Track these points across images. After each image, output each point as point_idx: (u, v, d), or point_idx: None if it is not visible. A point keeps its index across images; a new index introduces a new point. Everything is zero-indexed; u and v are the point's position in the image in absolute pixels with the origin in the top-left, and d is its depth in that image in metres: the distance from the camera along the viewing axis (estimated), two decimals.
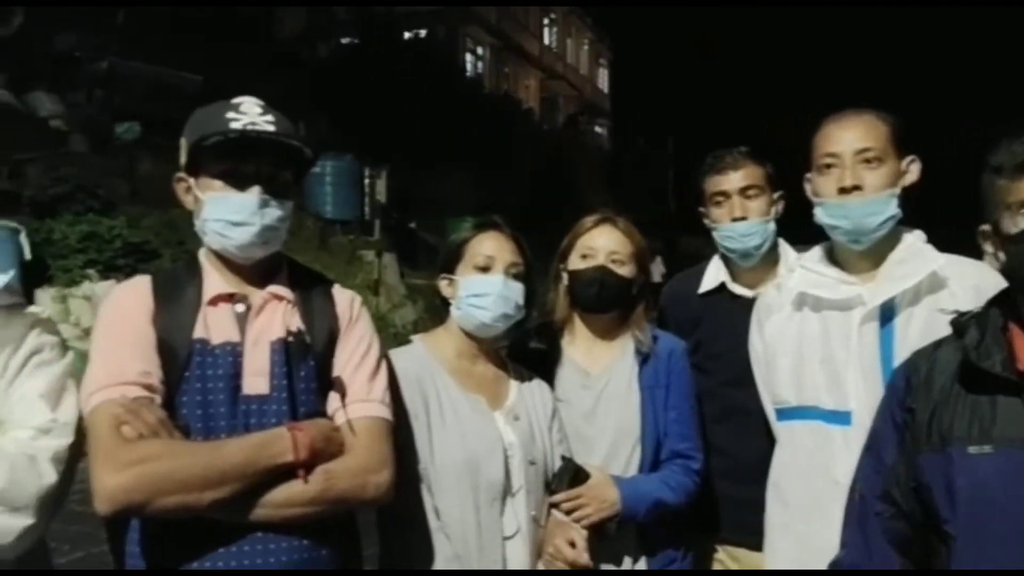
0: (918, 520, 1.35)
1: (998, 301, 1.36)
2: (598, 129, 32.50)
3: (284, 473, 1.46)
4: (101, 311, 1.60)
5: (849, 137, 1.88)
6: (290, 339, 1.58)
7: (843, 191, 1.86)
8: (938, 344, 1.42)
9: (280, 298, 1.62)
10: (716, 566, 2.34)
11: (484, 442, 1.86)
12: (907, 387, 1.40)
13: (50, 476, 1.42)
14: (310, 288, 1.69)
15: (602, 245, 2.15)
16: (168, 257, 8.81)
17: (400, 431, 1.71)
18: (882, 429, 1.44)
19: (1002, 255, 1.31)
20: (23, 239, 7.88)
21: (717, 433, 2.29)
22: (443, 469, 1.81)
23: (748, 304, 2.26)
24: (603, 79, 34.80)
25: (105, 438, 1.40)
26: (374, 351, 1.68)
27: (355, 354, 1.65)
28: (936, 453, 1.30)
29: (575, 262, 2.18)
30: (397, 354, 1.92)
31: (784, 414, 2.01)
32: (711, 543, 2.35)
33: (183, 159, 1.61)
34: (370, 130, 15.13)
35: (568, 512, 1.96)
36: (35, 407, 1.47)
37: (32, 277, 7.88)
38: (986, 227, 1.34)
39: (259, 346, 1.56)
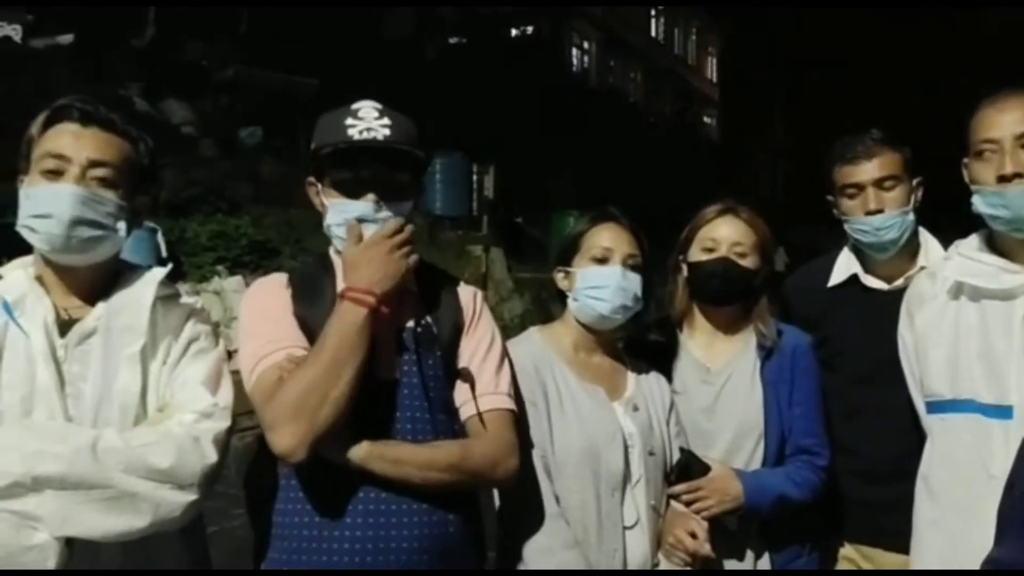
0: None
1: None
2: (707, 119, 31.82)
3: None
4: (244, 303, 1.72)
5: (1008, 120, 1.78)
6: (418, 330, 1.65)
7: (1003, 179, 1.77)
8: None
9: (408, 292, 1.68)
10: (845, 565, 2.25)
11: (603, 431, 1.87)
12: None
13: (212, 456, 1.53)
14: (435, 283, 1.75)
15: (724, 236, 2.11)
16: (287, 254, 9.24)
17: (520, 421, 1.75)
18: None
19: None
20: (160, 238, 8.43)
21: (845, 432, 2.21)
22: (563, 457, 1.84)
23: (882, 298, 2.17)
24: (712, 69, 34.04)
25: (272, 391, 1.52)
26: (498, 344, 1.74)
27: (480, 347, 1.70)
28: None
29: (696, 254, 2.15)
30: (514, 345, 1.95)
31: (936, 407, 1.91)
32: (836, 543, 2.27)
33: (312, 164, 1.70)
34: (478, 128, 15.33)
35: (688, 504, 1.95)
36: (197, 392, 1.58)
37: (169, 274, 8.39)
38: None
39: (388, 337, 1.63)
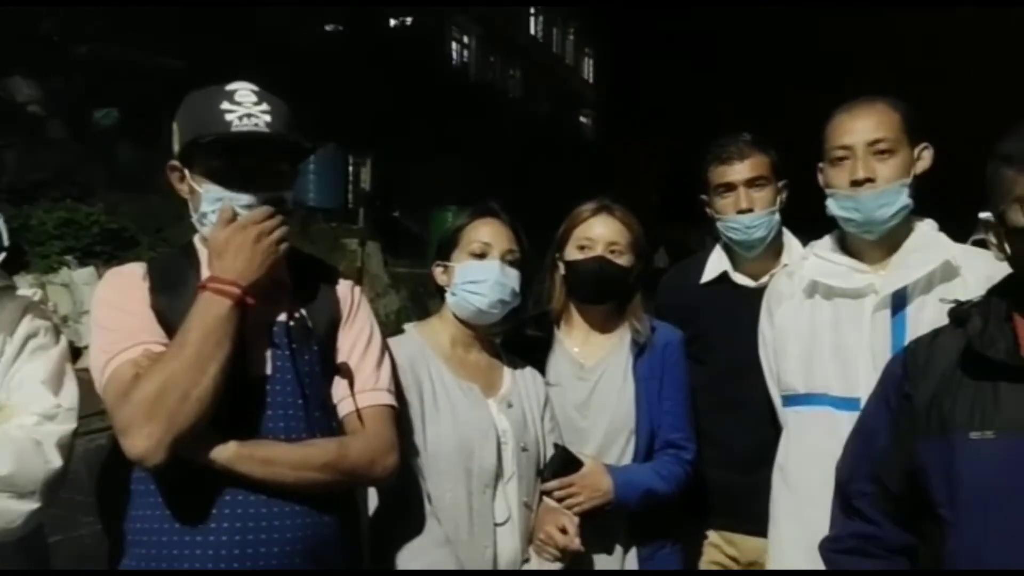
0: (907, 502, 1.36)
1: (1000, 290, 1.36)
2: (583, 119, 32.50)
3: None
4: (96, 295, 1.58)
5: (861, 128, 1.88)
6: (292, 323, 1.57)
7: (855, 183, 1.86)
8: (936, 332, 1.42)
9: (280, 283, 1.60)
10: (710, 550, 2.35)
11: (477, 429, 1.85)
12: (904, 374, 1.40)
13: (56, 461, 1.43)
14: (311, 275, 1.67)
15: (600, 235, 2.13)
16: (146, 244, 8.71)
17: (400, 416, 1.70)
18: (874, 414, 1.45)
19: (1008, 246, 1.30)
20: (1, 225, 7.76)
21: (713, 423, 2.29)
22: (436, 455, 1.81)
23: (749, 294, 2.27)
24: (589, 69, 34.81)
25: (126, 390, 1.40)
26: (377, 338, 1.68)
27: (359, 341, 1.64)
28: (936, 438, 1.31)
29: (572, 252, 2.16)
30: (391, 342, 1.91)
31: (792, 400, 2.01)
32: (703, 531, 2.35)
33: (176, 146, 1.57)
34: (355, 119, 15.02)
35: (560, 500, 1.96)
36: (38, 392, 1.46)
37: (10, 264, 7.76)
38: (989, 216, 1.33)
39: (259, 331, 1.54)
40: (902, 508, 1.38)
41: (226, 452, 1.43)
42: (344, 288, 1.70)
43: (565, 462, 1.98)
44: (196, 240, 1.64)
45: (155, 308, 1.51)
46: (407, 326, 2.02)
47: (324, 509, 1.53)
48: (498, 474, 1.85)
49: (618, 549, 2.06)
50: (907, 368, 1.41)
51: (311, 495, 1.50)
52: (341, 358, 1.61)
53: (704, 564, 2.34)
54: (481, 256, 1.93)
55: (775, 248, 2.32)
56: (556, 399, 2.09)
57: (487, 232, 1.94)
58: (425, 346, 1.93)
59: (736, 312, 2.25)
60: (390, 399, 1.64)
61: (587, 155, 23.50)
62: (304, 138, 1.58)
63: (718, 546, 2.33)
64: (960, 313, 1.36)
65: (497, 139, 19.22)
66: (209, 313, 1.42)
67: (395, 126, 15.97)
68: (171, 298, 1.51)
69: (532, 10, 30.38)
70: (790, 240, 2.33)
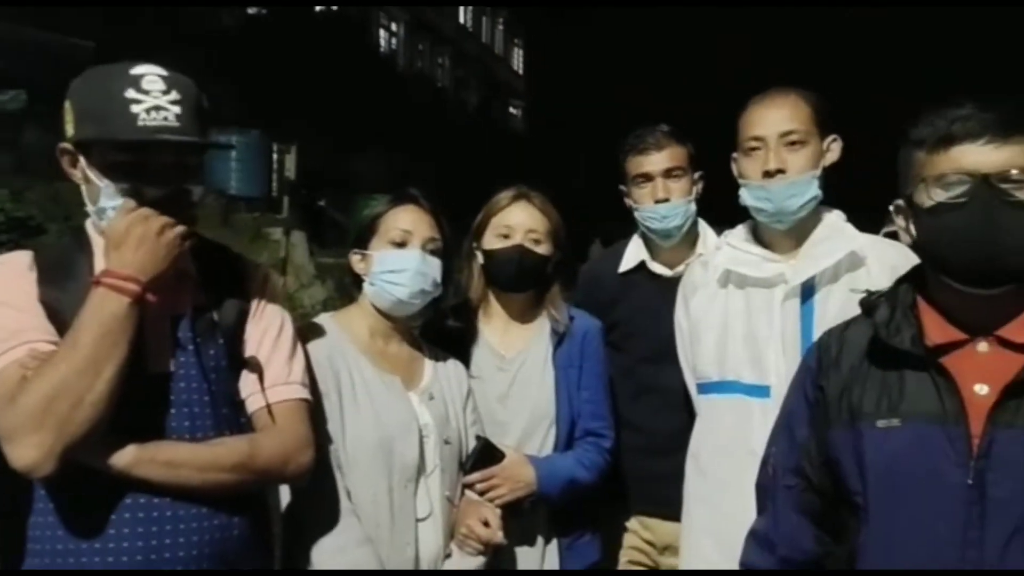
0: (829, 493, 1.38)
1: (908, 279, 1.39)
2: (513, 110, 32.46)
3: None
4: None
5: (773, 119, 1.91)
6: (196, 317, 1.49)
7: (767, 174, 1.89)
8: (848, 323, 1.44)
9: (185, 275, 1.52)
10: (629, 537, 2.37)
11: (398, 422, 1.82)
12: (818, 366, 1.42)
13: None
14: (217, 265, 1.59)
15: (518, 222, 2.12)
16: (54, 232, 8.29)
17: (315, 411, 1.65)
18: (794, 406, 1.46)
19: (914, 229, 1.33)
20: None
21: (633, 410, 2.32)
22: (356, 450, 1.76)
23: (666, 283, 2.29)
24: (518, 60, 34.76)
25: (12, 394, 1.30)
26: (288, 330, 1.62)
27: (268, 333, 1.58)
28: (846, 429, 1.33)
29: (491, 241, 2.14)
30: (306, 333, 1.85)
31: (705, 388, 2.04)
32: (624, 518, 2.38)
33: (70, 127, 1.44)
34: (280, 105, 14.66)
35: (482, 492, 1.95)
36: None
37: None
38: (900, 202, 1.36)
39: (160, 323, 1.46)
40: (824, 501, 1.40)
41: (125, 457, 1.35)
42: (254, 278, 1.63)
43: (487, 454, 1.97)
44: (88, 226, 1.53)
45: (43, 301, 1.40)
46: (323, 316, 1.96)
47: (233, 510, 1.47)
48: (420, 468, 1.82)
49: (539, 540, 2.06)
50: (821, 360, 1.42)
51: (220, 496, 1.44)
52: (250, 351, 1.55)
53: (623, 550, 2.37)
54: (401, 245, 1.89)
55: (691, 238, 2.36)
56: (477, 390, 2.07)
57: (407, 219, 1.90)
58: (343, 338, 1.88)
59: (653, 301, 2.28)
60: (304, 393, 1.59)
61: (517, 146, 23.51)
62: (217, 128, 1.48)
63: (635, 531, 2.36)
64: (869, 303, 1.38)
65: (426, 128, 19.05)
66: (105, 311, 1.33)
67: (321, 113, 15.65)
68: (61, 291, 1.42)
69: None
70: (706, 230, 2.37)
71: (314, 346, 1.79)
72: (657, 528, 2.31)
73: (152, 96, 1.40)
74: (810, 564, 1.42)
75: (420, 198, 1.94)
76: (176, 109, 1.41)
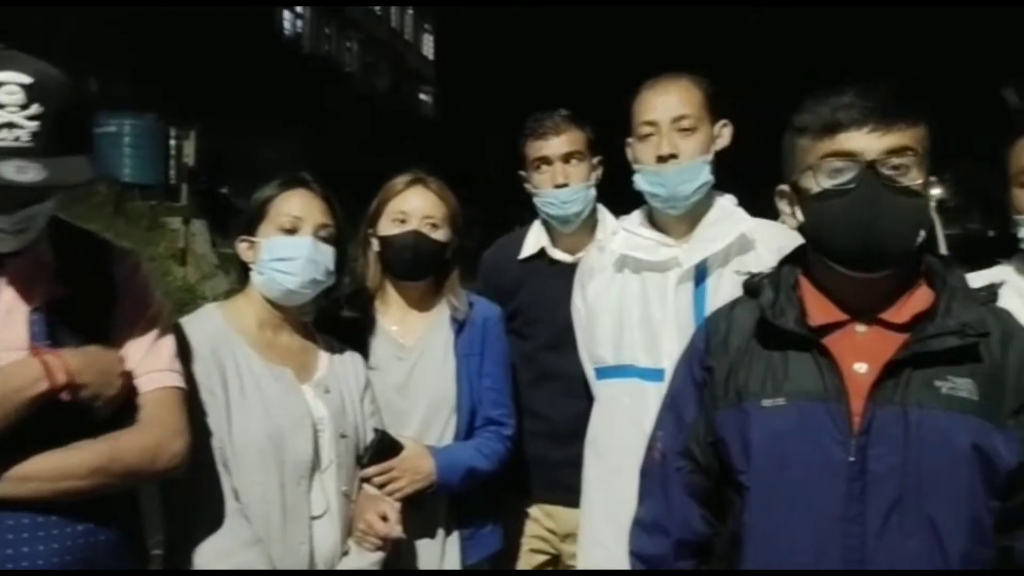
0: (715, 474, 1.40)
1: (791, 260, 1.41)
2: (423, 97, 32.14)
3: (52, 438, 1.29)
4: None
5: (665, 104, 1.92)
6: (53, 307, 1.38)
7: (660, 159, 1.90)
8: (734, 304, 1.46)
9: (39, 264, 1.40)
10: (530, 525, 2.36)
11: (290, 416, 1.74)
12: (706, 347, 1.44)
13: None
14: (79, 252, 1.48)
15: (415, 208, 2.07)
16: None
17: (193, 408, 1.57)
18: (682, 388, 1.47)
19: (799, 214, 1.35)
20: None
21: (534, 397, 2.32)
22: (243, 447, 1.68)
23: (567, 269, 2.28)
24: (428, 45, 34.40)
25: None
26: (157, 316, 1.52)
27: (137, 321, 1.48)
28: (732, 408, 1.35)
29: (386, 227, 2.09)
30: (189, 323, 1.76)
31: (603, 373, 2.05)
32: (526, 506, 2.37)
33: None
34: (177, 88, 14.06)
35: (381, 486, 1.90)
36: None
37: None
38: (784, 187, 1.38)
39: (14, 316, 1.35)
40: (711, 481, 1.41)
41: None
42: (120, 263, 1.52)
43: (385, 446, 1.92)
44: None
45: None
46: (208, 307, 1.86)
47: (100, 515, 1.37)
48: (314, 464, 1.75)
49: (440, 532, 2.03)
50: (708, 341, 1.44)
51: (81, 502, 1.34)
52: (116, 340, 1.44)
53: (525, 539, 2.36)
54: (291, 231, 1.80)
55: (591, 224, 2.35)
56: (375, 381, 2.02)
57: (298, 205, 1.82)
58: (229, 329, 1.79)
59: (554, 287, 2.27)
60: (174, 380, 1.49)
61: (428, 132, 23.30)
62: (109, 112, 1.34)
63: (537, 519, 2.35)
64: (753, 285, 1.41)
65: (334, 113, 18.65)
66: None
67: (222, 97, 15.10)
68: None
69: None
70: (605, 216, 2.37)
71: (198, 339, 1.70)
72: (559, 515, 2.31)
73: (7, 111, 1.26)
74: (702, 545, 1.43)
75: (312, 182, 1.86)
76: (33, 126, 1.27)
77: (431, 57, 33.40)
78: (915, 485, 1.21)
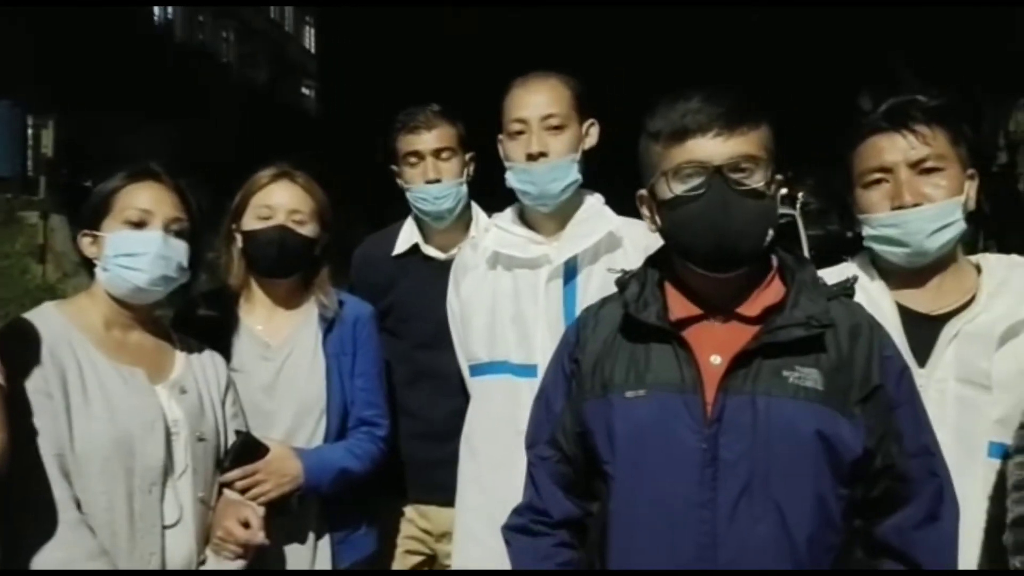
0: (581, 464, 1.42)
1: (656, 259, 1.45)
2: (305, 91, 31.33)
3: None
4: None
5: (535, 102, 1.94)
6: None
7: (530, 157, 1.92)
8: (604, 301, 1.49)
9: None
10: (405, 526, 2.33)
11: (140, 420, 1.64)
12: (576, 340, 1.46)
13: None
14: None
15: (280, 202, 2.00)
16: None
17: (26, 414, 1.45)
18: (552, 380, 1.49)
19: (658, 218, 1.38)
20: None
21: (409, 396, 2.29)
22: (87, 454, 1.56)
23: (440, 266, 2.27)
24: (310, 38, 33.56)
25: None
26: None
27: None
28: (598, 400, 1.37)
29: (251, 222, 2.01)
30: (24, 323, 1.62)
31: (477, 370, 2.05)
32: (401, 506, 2.33)
33: None
34: (36, 75, 13.13)
35: (244, 490, 1.81)
36: None
37: None
38: (643, 192, 1.41)
39: None
40: (577, 471, 1.43)
41: None
42: None
43: (248, 449, 1.84)
44: None
45: None
46: (45, 306, 1.72)
47: None
48: (167, 470, 1.66)
49: (310, 536, 1.96)
50: (578, 335, 1.46)
51: None
52: None
53: (400, 540, 2.33)
54: (139, 225, 1.70)
55: (464, 220, 2.35)
56: (240, 382, 1.93)
57: (147, 197, 1.71)
58: (71, 329, 1.66)
59: (428, 284, 2.25)
60: None
61: (310, 127, 22.73)
62: None
63: (412, 520, 2.33)
64: (622, 281, 1.44)
65: (208, 105, 17.91)
66: None
67: (86, 85, 14.23)
68: None
69: None
70: (478, 213, 2.37)
71: (34, 339, 1.57)
72: (434, 515, 2.29)
73: None
74: (575, 523, 1.44)
75: (162, 173, 1.75)
76: None
77: (312, 50, 32.60)
78: (763, 471, 1.26)
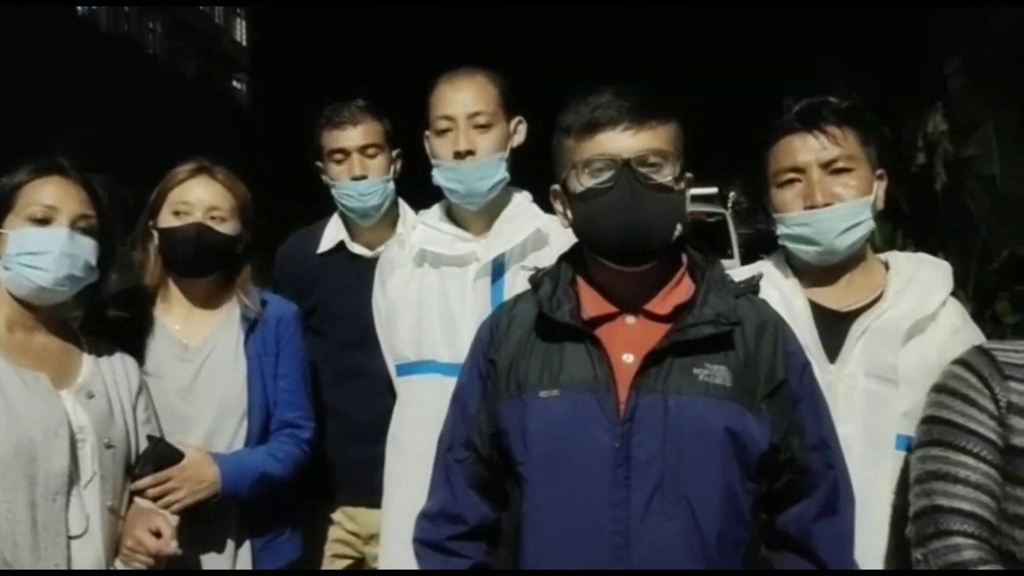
0: (496, 465, 1.41)
1: (569, 256, 1.45)
2: (236, 84, 30.63)
3: None
4: None
5: (462, 99, 1.92)
6: None
7: (458, 155, 1.90)
8: (518, 298, 1.48)
9: None
10: (333, 529, 2.29)
11: (43, 427, 1.56)
12: (490, 339, 1.44)
13: None
14: None
15: (198, 199, 1.93)
16: None
17: None
18: (467, 380, 1.48)
19: (570, 213, 1.38)
20: None
21: (336, 396, 2.25)
22: None
23: (367, 264, 2.23)
24: (241, 31, 32.82)
25: None
26: None
27: None
28: (513, 400, 1.36)
29: (167, 219, 1.94)
30: None
31: (404, 369, 2.02)
32: (330, 510, 2.29)
33: None
34: None
35: (157, 498, 1.75)
36: None
37: None
38: (556, 187, 1.40)
39: None
40: (492, 473, 1.42)
41: None
42: None
43: (161, 455, 1.77)
44: None
45: None
46: None
47: None
48: (72, 478, 1.58)
49: (229, 544, 1.90)
50: (492, 334, 1.45)
51: None
52: None
53: (328, 544, 2.29)
54: (43, 222, 1.62)
55: (392, 217, 2.32)
56: (155, 386, 1.86)
57: (51, 193, 1.64)
58: None
59: (354, 282, 2.21)
60: None
61: (241, 121, 22.24)
62: None
63: (340, 523, 2.29)
64: (536, 279, 1.43)
65: (134, 99, 17.36)
66: None
67: (5, 76, 13.64)
68: None
69: None
70: (406, 210, 2.34)
71: None
72: (362, 517, 2.25)
73: None
74: (488, 530, 1.43)
75: (68, 168, 1.68)
76: None
77: (244, 43, 31.90)
78: (674, 469, 1.27)
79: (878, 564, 1.47)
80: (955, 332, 1.56)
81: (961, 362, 1.41)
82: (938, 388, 1.42)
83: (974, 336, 1.58)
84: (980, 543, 1.30)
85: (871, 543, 1.39)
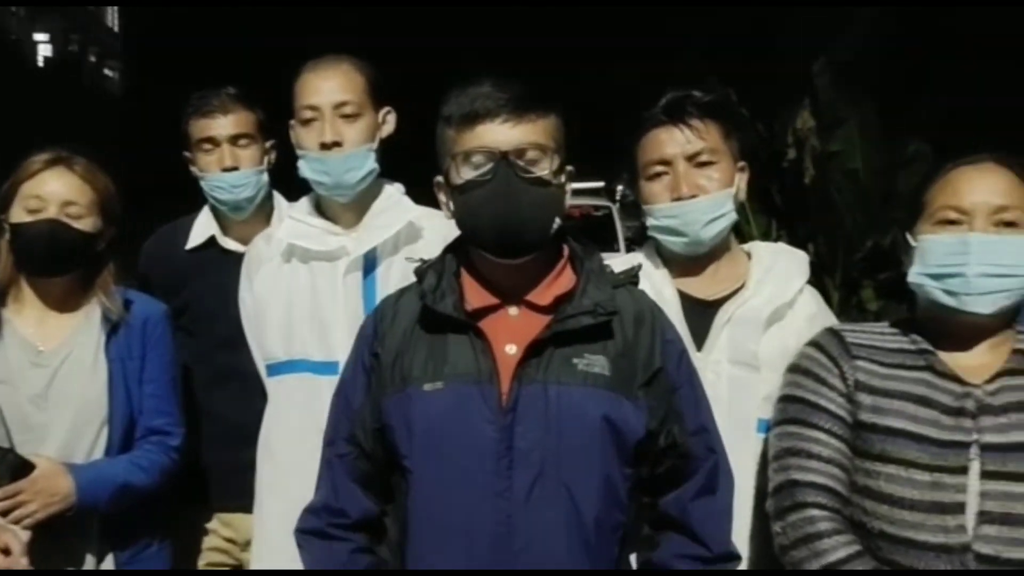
0: (380, 460, 1.39)
1: (454, 248, 1.44)
2: (108, 72, 29.08)
3: None
4: None
5: (327, 88, 1.87)
6: None
7: (324, 146, 1.85)
8: (403, 291, 1.46)
9: None
10: (209, 537, 2.21)
11: None
12: (374, 333, 1.42)
13: None
14: None
15: (53, 193, 1.80)
16: None
17: None
18: (351, 375, 1.45)
19: (451, 204, 1.37)
20: None
21: (211, 398, 2.17)
22: None
23: (239, 260, 2.14)
24: (114, 17, 31.16)
25: None
26: None
27: None
28: (398, 394, 1.35)
29: (19, 214, 1.81)
30: None
31: (274, 369, 1.96)
32: (206, 518, 2.21)
33: None
34: None
35: (6, 512, 1.65)
36: None
37: None
38: (439, 178, 1.39)
39: None
40: (376, 468, 1.40)
41: None
42: None
43: (10, 467, 1.67)
44: None
45: None
46: None
47: None
48: None
49: (89, 559, 1.79)
50: (376, 328, 1.43)
51: None
52: None
53: (203, 552, 2.20)
54: None
55: (266, 211, 2.24)
56: (5, 393, 1.76)
57: None
58: None
59: (226, 279, 2.12)
60: None
61: (115, 110, 21.09)
62: None
63: (215, 530, 2.21)
64: (420, 271, 1.42)
65: None
66: None
67: None
68: None
69: None
70: (280, 203, 2.26)
71: None
72: (237, 523, 2.17)
73: None
74: (372, 523, 1.41)
75: None
76: None
77: (117, 29, 30.29)
78: (555, 458, 1.29)
79: (743, 544, 1.53)
80: (811, 318, 1.64)
81: (813, 343, 1.49)
82: (792, 368, 1.50)
83: (828, 321, 1.66)
84: (833, 515, 1.38)
85: (738, 519, 1.45)
